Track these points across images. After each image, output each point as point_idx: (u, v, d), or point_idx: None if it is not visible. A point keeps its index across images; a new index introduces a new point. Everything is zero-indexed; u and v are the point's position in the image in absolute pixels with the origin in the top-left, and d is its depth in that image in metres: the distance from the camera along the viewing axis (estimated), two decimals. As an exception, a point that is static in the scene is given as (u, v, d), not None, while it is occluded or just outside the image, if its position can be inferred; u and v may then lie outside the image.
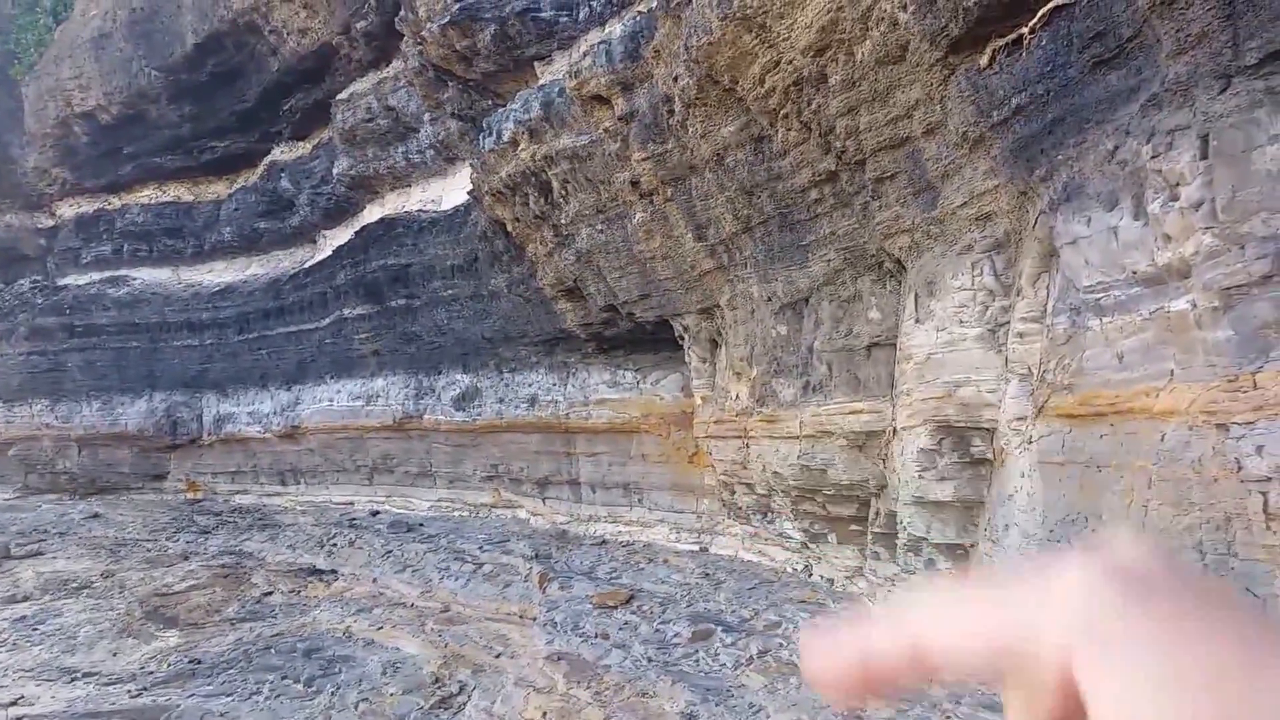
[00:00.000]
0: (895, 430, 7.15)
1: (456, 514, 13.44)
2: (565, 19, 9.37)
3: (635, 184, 8.74)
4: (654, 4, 7.93)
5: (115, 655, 9.21)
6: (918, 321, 6.74)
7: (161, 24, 15.42)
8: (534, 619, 9.56)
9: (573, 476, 11.60)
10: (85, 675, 8.74)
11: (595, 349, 11.06)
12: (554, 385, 11.68)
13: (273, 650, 9.23)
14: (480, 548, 11.73)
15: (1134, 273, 4.76)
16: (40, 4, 18.86)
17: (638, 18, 8.26)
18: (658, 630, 8.55)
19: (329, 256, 14.98)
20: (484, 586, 10.57)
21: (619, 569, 10.08)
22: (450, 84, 11.00)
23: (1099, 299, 5.02)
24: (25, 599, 11.53)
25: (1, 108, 19.07)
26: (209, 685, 8.41)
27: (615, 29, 8.55)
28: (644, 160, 8.41)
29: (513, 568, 10.83)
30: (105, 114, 17.08)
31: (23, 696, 8.26)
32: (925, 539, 6.90)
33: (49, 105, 17.97)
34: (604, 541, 10.98)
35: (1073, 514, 5.35)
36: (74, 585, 12.04)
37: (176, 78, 15.59)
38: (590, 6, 9.07)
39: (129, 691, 8.32)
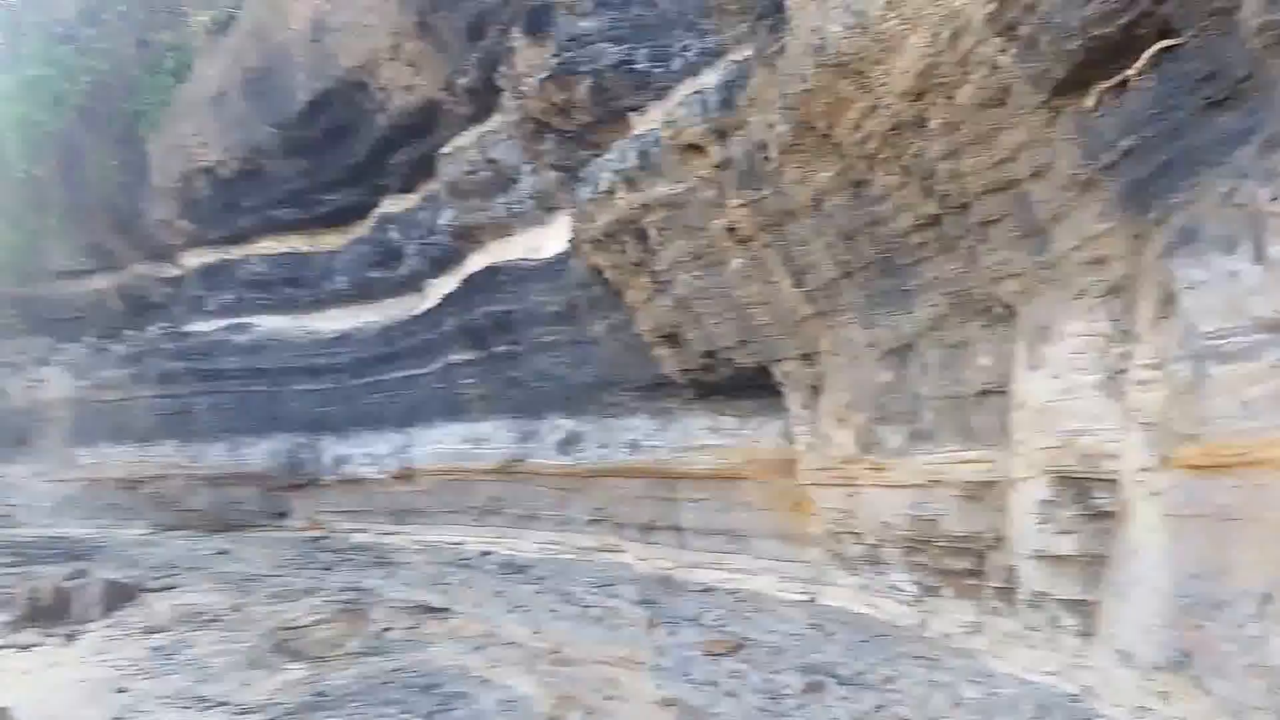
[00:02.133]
0: (1012, 481, 6.96)
1: (563, 556, 13.57)
2: (659, 70, 9.57)
3: (732, 230, 8.83)
4: (748, 53, 8.06)
5: (246, 686, 9.43)
6: (1032, 368, 6.57)
7: (275, 83, 16.36)
8: (642, 664, 9.51)
9: (676, 522, 11.60)
10: (218, 704, 8.94)
11: (695, 395, 11.11)
12: (655, 431, 11.76)
13: (393, 684, 9.31)
14: (587, 591, 11.77)
15: (1256, 319, 4.57)
16: (163, 65, 20.05)
17: (732, 67, 8.40)
18: (768, 680, 8.39)
19: (435, 304, 15.57)
20: (592, 629, 10.56)
21: (726, 617, 10.01)
22: (549, 136, 11.35)
23: (1221, 346, 4.83)
24: (161, 630, 11.94)
25: (130, 164, 20.42)
26: (334, 717, 8.47)
27: (709, 78, 8.73)
28: (740, 207, 8.50)
29: (620, 612, 10.82)
30: (224, 169, 18.17)
31: (162, 723, 8.49)
32: (1047, 595, 6.66)
33: (172, 161, 19.22)
34: (709, 588, 10.93)
35: (1201, 570, 5.12)
36: (205, 618, 12.46)
37: (290, 134, 16.52)
38: (684, 57, 9.25)
39: (258, 722, 8.53)
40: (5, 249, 23.56)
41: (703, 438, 11.12)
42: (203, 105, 18.30)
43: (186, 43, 19.45)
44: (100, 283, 23.42)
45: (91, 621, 12.92)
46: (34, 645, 11.62)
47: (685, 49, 9.24)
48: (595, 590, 11.71)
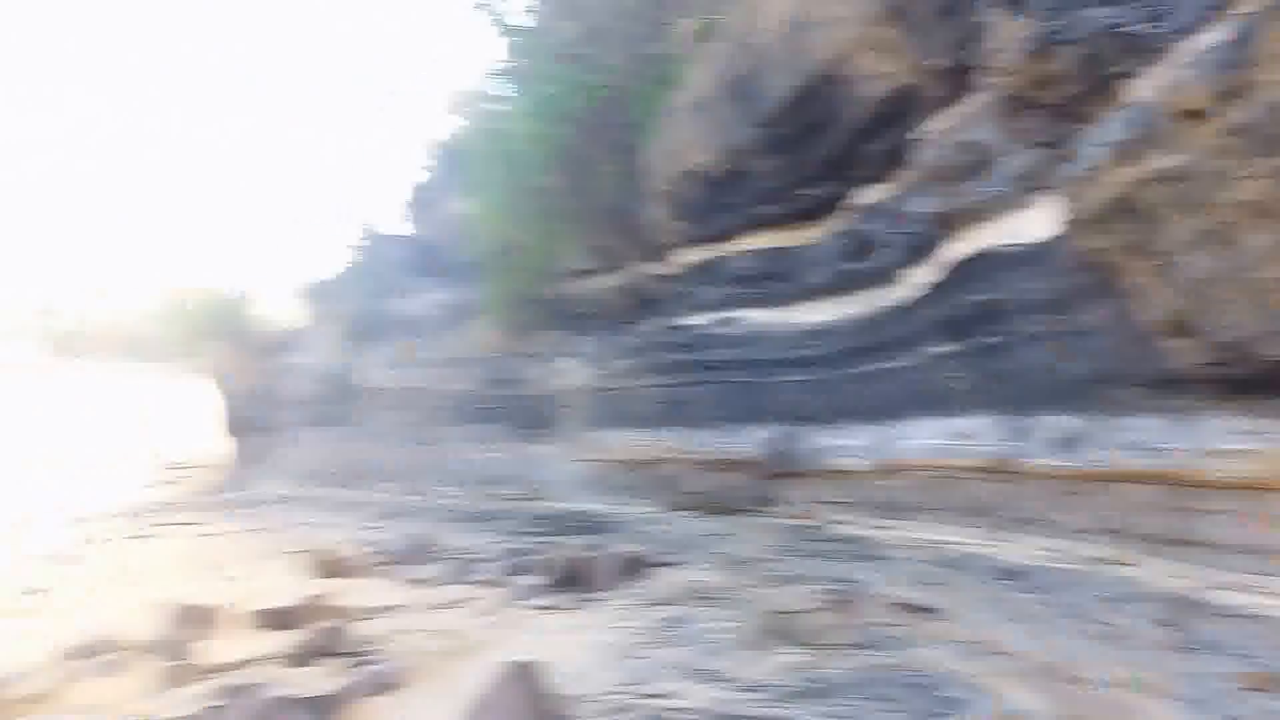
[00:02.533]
0: None
1: (1061, 565, 13.16)
2: (1153, 32, 9.10)
3: (1249, 204, 8.16)
4: (1257, 4, 7.42)
5: (745, 665, 10.55)
6: None
7: (754, 85, 18.00)
8: (1162, 692, 9.18)
9: (1199, 536, 10.78)
10: (723, 680, 10.07)
11: (1217, 392, 10.27)
12: (1167, 432, 11.00)
13: (886, 681, 9.91)
14: (1093, 604, 11.43)
15: None
16: (654, 75, 22.81)
17: (1237, 22, 7.83)
18: (1330, 728, 7.75)
19: (912, 295, 16.05)
20: (1100, 647, 10.34)
21: (1266, 647, 9.22)
22: (1030, 113, 11.24)
23: None
24: (667, 603, 13.85)
25: (627, 171, 23.69)
26: (826, 706, 9.25)
27: (1211, 37, 8.23)
28: (1260, 178, 7.85)
29: (1133, 631, 10.43)
30: (710, 171, 20.30)
31: (675, 691, 9.80)
32: None
33: (663, 166, 21.94)
34: (1243, 613, 10.04)
35: None
36: (705, 595, 14.19)
37: (770, 132, 18.06)
38: (1181, 15, 8.72)
39: (758, 700, 9.44)
40: (530, 253, 28.81)
41: (1230, 441, 10.24)
42: (689, 112, 20.72)
43: (675, 52, 21.89)
44: (606, 281, 27.62)
45: (607, 590, 15.41)
46: (560, 609, 14.24)
47: (1182, 6, 8.70)
48: (1101, 605, 11.34)
